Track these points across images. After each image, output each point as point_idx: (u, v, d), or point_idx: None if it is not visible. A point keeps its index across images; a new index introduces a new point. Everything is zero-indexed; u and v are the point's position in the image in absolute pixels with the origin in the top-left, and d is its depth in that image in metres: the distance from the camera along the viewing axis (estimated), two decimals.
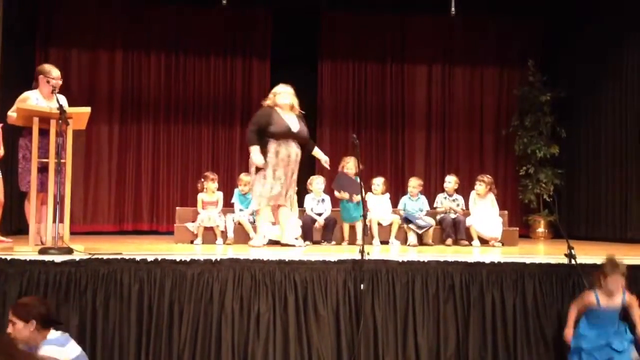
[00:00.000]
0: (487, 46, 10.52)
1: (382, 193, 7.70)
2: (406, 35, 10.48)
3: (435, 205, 7.75)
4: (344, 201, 7.35)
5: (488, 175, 7.84)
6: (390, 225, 7.46)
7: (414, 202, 7.62)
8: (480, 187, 7.61)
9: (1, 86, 7.90)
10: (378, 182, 7.70)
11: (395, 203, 7.85)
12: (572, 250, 4.99)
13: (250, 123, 6.52)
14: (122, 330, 4.63)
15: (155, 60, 9.98)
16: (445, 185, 7.83)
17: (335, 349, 4.78)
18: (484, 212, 7.55)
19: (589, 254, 5.52)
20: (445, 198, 7.76)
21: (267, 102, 6.51)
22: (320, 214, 7.40)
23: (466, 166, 10.32)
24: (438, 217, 7.64)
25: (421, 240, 7.37)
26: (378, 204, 7.60)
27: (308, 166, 9.66)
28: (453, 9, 7.91)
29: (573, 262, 4.97)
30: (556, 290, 5.01)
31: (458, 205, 7.69)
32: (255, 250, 5.93)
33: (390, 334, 4.86)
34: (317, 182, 7.54)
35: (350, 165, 7.36)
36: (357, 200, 7.10)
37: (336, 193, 7.30)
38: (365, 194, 7.55)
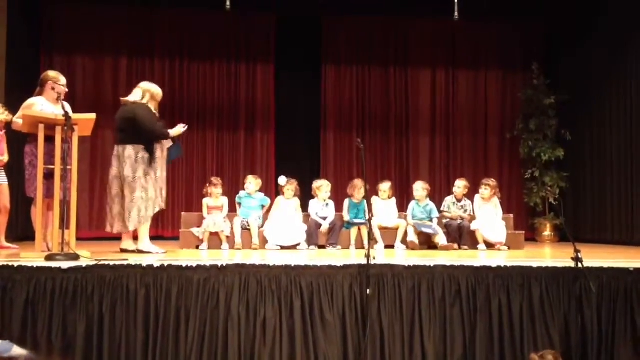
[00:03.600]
0: (490, 50, 10.53)
1: (389, 197, 7.69)
2: (409, 40, 10.49)
3: (442, 209, 7.73)
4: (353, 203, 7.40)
5: (493, 179, 7.83)
6: (396, 229, 7.45)
7: (422, 208, 7.57)
8: (485, 191, 7.60)
9: (6, 93, 7.94)
10: (384, 188, 7.68)
11: (400, 207, 7.83)
12: (579, 254, 4.96)
13: (147, 123, 5.98)
14: (128, 336, 4.62)
15: (159, 65, 10.01)
16: (455, 190, 7.80)
17: (341, 354, 4.77)
18: (489, 216, 7.54)
19: (596, 258, 5.51)
20: (454, 203, 7.74)
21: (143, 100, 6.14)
22: (325, 218, 7.40)
23: (471, 170, 10.29)
24: (444, 221, 7.61)
25: (429, 244, 7.40)
26: (384, 208, 7.59)
27: (311, 171, 9.73)
28: (456, 13, 7.92)
29: (580, 265, 4.95)
30: (563, 294, 4.99)
31: (466, 211, 7.66)
32: (260, 255, 5.92)
33: (397, 339, 4.85)
34: (326, 190, 7.54)
35: (357, 191, 7.47)
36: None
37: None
38: (371, 197, 7.60)
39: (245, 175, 8.17)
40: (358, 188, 7.49)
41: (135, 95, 6.17)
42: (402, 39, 10.49)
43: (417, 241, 7.30)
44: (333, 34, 10.35)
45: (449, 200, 7.80)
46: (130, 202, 5.88)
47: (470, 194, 7.92)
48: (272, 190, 8.74)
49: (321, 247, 7.28)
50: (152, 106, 6.16)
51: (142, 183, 5.89)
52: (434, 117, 10.51)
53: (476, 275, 4.96)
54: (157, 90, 6.26)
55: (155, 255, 5.92)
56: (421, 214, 7.53)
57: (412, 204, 7.65)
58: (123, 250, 6.06)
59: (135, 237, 6.19)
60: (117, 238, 6.34)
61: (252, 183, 7.50)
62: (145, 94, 6.15)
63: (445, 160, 10.46)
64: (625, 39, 8.66)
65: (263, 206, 7.54)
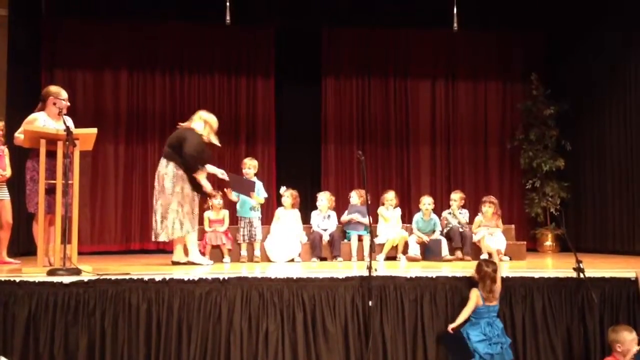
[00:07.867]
0: (489, 60, 10.56)
1: (394, 207, 7.66)
2: (409, 51, 10.52)
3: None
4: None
5: (492, 197, 7.62)
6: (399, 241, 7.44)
7: (427, 223, 7.53)
8: (489, 208, 7.43)
9: (7, 108, 7.97)
10: (391, 197, 7.65)
11: (401, 218, 7.81)
12: (581, 264, 4.97)
13: (191, 148, 6.25)
14: (130, 351, 4.63)
15: (160, 79, 10.04)
16: (451, 203, 7.77)
17: None
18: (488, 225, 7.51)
19: (597, 268, 5.50)
20: (450, 213, 7.73)
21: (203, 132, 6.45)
22: (325, 230, 7.40)
23: (471, 180, 10.32)
24: (445, 230, 7.60)
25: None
26: (391, 220, 7.57)
27: (312, 182, 9.76)
28: (455, 24, 7.97)
29: (582, 275, 4.95)
30: (565, 305, 4.99)
31: (463, 218, 7.64)
32: (262, 269, 5.93)
33: (400, 351, 4.85)
34: (321, 199, 7.56)
35: (354, 198, 7.51)
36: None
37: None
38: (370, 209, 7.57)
39: None
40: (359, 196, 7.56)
41: (193, 123, 6.47)
42: (402, 50, 10.52)
43: (419, 254, 7.29)
44: (333, 46, 10.39)
45: (445, 213, 7.78)
46: (165, 213, 6.22)
47: (471, 205, 7.89)
48: (274, 203, 8.74)
49: (323, 259, 7.28)
50: (209, 134, 6.48)
51: (178, 198, 6.23)
52: (434, 128, 10.52)
53: None
54: (213, 120, 6.57)
55: (206, 266, 6.25)
56: (425, 227, 7.50)
57: (417, 216, 7.61)
58: (175, 263, 6.35)
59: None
60: (119, 252, 6.36)
61: (251, 167, 7.25)
62: (206, 125, 6.47)
63: (446, 171, 10.46)
64: (624, 49, 8.69)
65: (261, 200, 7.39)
